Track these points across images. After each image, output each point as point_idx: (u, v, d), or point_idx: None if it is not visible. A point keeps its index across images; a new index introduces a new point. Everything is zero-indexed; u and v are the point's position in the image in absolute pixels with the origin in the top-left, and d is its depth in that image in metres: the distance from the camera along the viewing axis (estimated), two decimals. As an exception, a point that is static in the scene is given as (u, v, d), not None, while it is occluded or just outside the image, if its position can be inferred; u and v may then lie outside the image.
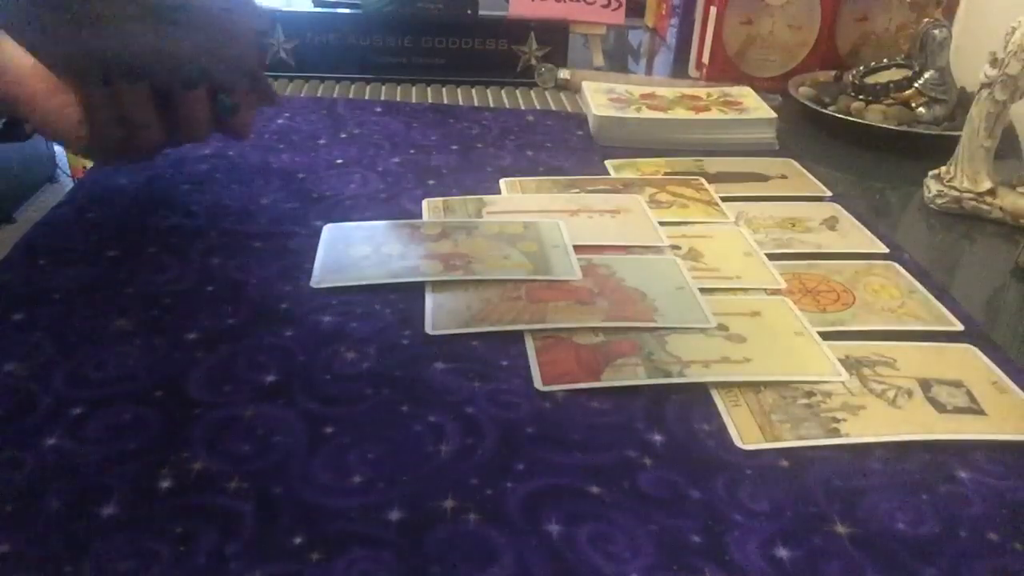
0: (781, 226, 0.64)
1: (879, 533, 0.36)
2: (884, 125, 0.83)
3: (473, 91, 0.92)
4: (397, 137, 0.77)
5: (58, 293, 0.50)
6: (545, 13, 0.97)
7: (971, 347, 0.49)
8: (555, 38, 0.94)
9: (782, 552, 0.35)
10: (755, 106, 0.83)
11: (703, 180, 0.71)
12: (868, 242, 0.62)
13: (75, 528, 0.34)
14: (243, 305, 0.50)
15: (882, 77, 0.88)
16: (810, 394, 0.44)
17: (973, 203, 0.68)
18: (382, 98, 0.88)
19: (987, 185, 0.67)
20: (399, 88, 0.92)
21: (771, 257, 0.59)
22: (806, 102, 0.89)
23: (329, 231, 0.59)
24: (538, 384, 0.44)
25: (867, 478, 0.39)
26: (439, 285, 0.52)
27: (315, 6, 1.06)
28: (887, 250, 0.61)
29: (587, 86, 0.86)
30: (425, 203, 0.64)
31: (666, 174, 0.73)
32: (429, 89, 0.92)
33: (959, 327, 0.52)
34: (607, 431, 0.41)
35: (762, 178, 0.74)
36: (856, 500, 0.38)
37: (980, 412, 0.44)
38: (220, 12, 0.53)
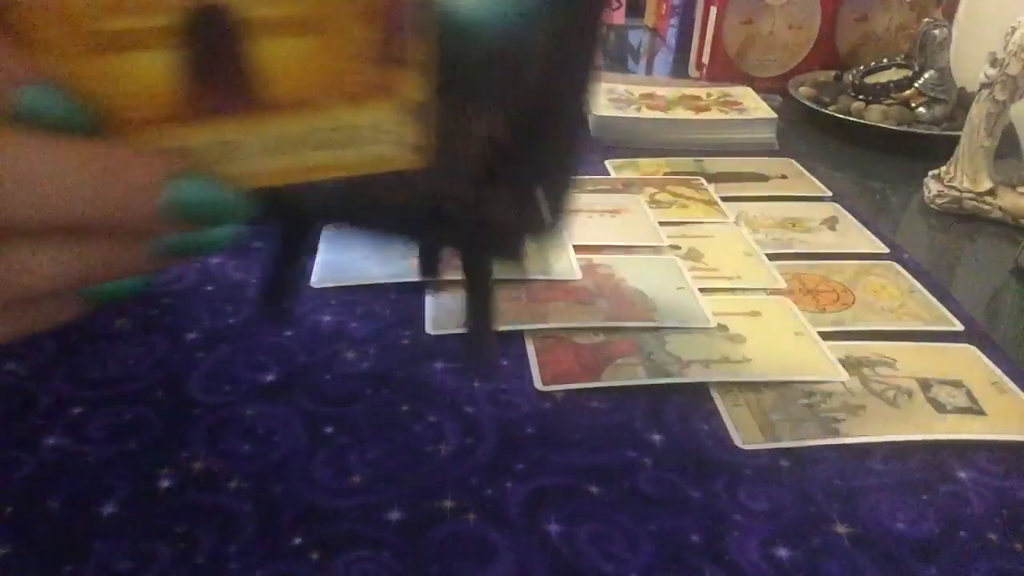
0: (781, 226, 0.64)
1: (879, 533, 0.36)
2: (884, 125, 0.83)
3: (473, 91, 0.91)
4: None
5: (58, 293, 0.50)
6: (545, 13, 0.96)
7: (971, 347, 0.49)
8: (555, 38, 0.94)
9: (782, 552, 0.35)
10: (755, 106, 0.83)
11: (703, 180, 0.71)
12: (868, 242, 0.62)
13: (75, 528, 0.34)
14: (243, 305, 0.50)
15: (882, 77, 0.88)
16: (810, 394, 0.44)
17: (973, 203, 0.68)
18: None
19: (987, 185, 0.67)
20: (399, 88, 0.91)
21: (771, 257, 0.59)
22: (806, 102, 0.89)
23: (329, 231, 0.59)
24: (538, 384, 0.44)
25: (867, 478, 0.39)
26: (439, 285, 0.52)
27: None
28: (887, 250, 0.61)
29: (587, 86, 0.86)
30: (425, 203, 0.64)
31: (666, 174, 0.73)
32: (429, 89, 0.91)
33: (959, 327, 0.52)
34: (607, 431, 0.41)
35: (762, 178, 0.74)
36: (856, 500, 0.38)
37: (980, 412, 0.44)
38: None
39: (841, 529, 0.36)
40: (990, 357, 0.48)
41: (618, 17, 0.99)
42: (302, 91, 0.23)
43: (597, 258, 0.57)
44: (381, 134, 0.24)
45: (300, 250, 0.32)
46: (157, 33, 0.21)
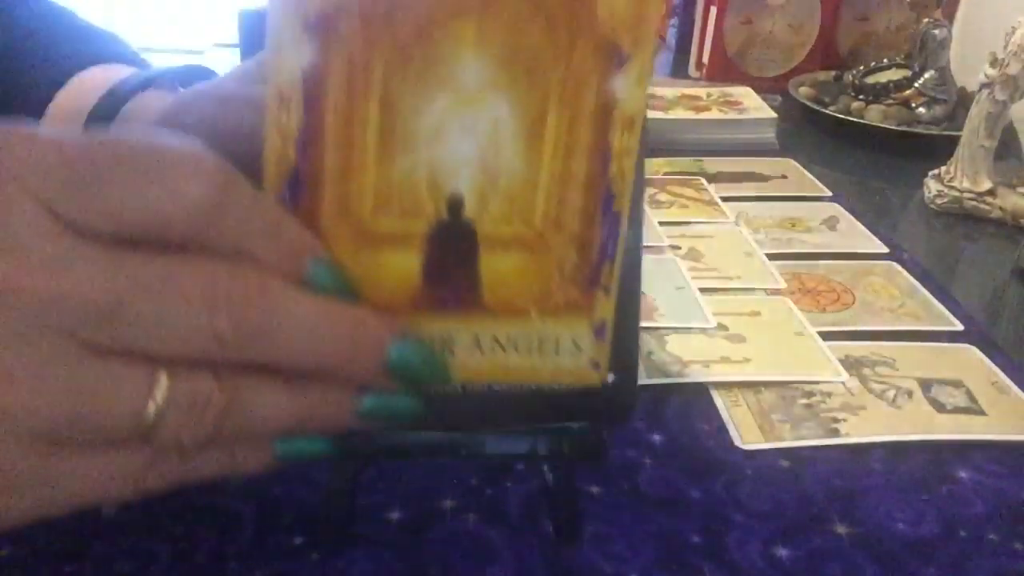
0: (781, 226, 0.64)
1: (879, 533, 0.36)
2: (884, 125, 0.83)
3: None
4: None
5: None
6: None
7: (971, 347, 0.49)
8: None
9: (782, 552, 0.35)
10: (755, 106, 0.83)
11: (703, 180, 0.71)
12: (868, 242, 0.62)
13: (75, 528, 0.34)
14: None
15: (882, 77, 0.88)
16: (810, 394, 0.44)
17: (973, 203, 0.68)
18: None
19: (987, 185, 0.67)
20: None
21: (771, 257, 0.59)
22: (806, 102, 0.89)
23: None
24: (538, 384, 0.44)
25: (867, 478, 0.39)
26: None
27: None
28: (887, 250, 0.61)
29: (587, 86, 0.86)
30: (425, 203, 0.64)
31: (666, 174, 0.73)
32: (429, 89, 0.91)
33: (959, 327, 0.52)
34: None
35: (762, 178, 0.74)
36: (856, 500, 0.38)
37: (980, 412, 0.44)
38: None
39: (841, 529, 0.36)
40: (990, 357, 0.48)
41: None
42: (515, 300, 0.27)
43: (597, 258, 0.57)
44: (575, 349, 0.28)
45: (358, 484, 0.33)
46: (413, 236, 0.26)
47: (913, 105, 0.85)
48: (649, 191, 0.68)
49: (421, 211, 0.26)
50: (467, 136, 0.26)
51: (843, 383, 0.45)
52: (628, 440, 0.41)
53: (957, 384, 0.46)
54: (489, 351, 0.28)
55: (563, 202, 0.27)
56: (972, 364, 0.48)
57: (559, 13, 0.25)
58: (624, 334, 0.29)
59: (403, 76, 0.25)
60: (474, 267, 0.27)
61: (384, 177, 0.26)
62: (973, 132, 0.67)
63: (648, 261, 0.57)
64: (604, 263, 0.27)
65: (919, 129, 0.83)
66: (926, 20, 0.86)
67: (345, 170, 0.25)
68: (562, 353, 0.28)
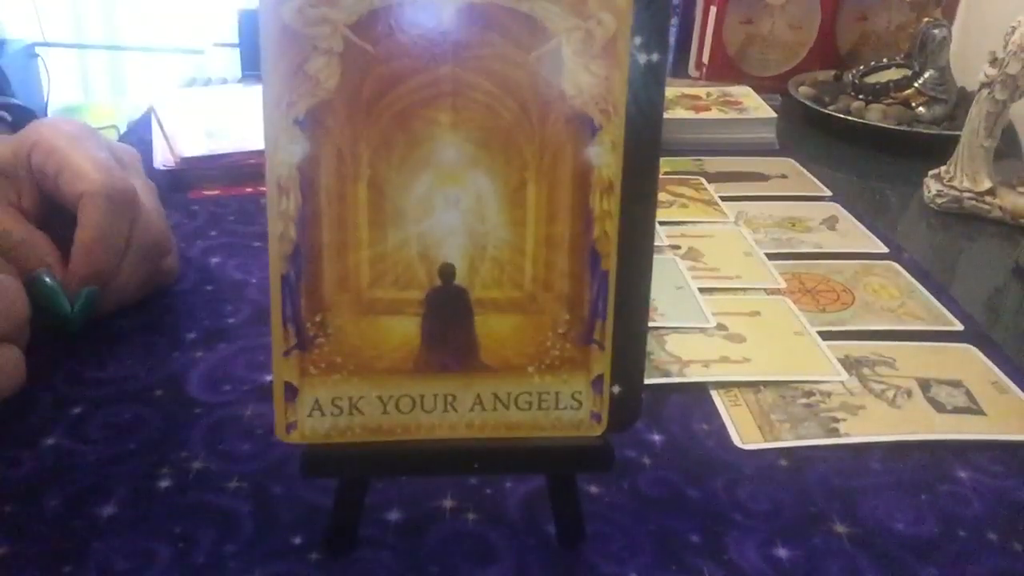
0: (781, 226, 0.64)
1: (879, 533, 0.36)
2: (884, 125, 0.83)
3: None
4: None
5: (58, 293, 0.50)
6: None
7: (971, 347, 0.49)
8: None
9: (782, 552, 0.35)
10: (755, 106, 0.83)
11: (703, 180, 0.71)
12: (868, 242, 0.62)
13: (75, 528, 0.34)
14: (243, 305, 0.50)
15: (882, 77, 0.88)
16: (810, 394, 0.44)
17: (973, 203, 0.68)
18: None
19: (987, 185, 0.67)
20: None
21: (771, 257, 0.59)
22: (806, 102, 0.89)
23: None
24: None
25: (867, 478, 0.39)
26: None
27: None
28: (887, 250, 0.61)
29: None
30: (425, 203, 0.64)
31: (666, 174, 0.73)
32: (429, 89, 0.91)
33: (959, 327, 0.52)
34: (607, 431, 0.41)
35: (762, 178, 0.74)
36: (856, 500, 0.38)
37: (980, 412, 0.44)
38: None
39: (841, 529, 0.36)
40: (990, 357, 0.48)
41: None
42: (513, 359, 0.29)
43: (597, 258, 0.57)
44: (575, 403, 0.30)
45: (362, 500, 0.33)
46: (409, 304, 0.28)
47: (913, 105, 0.85)
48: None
49: (415, 281, 0.28)
50: (453, 209, 0.28)
51: (843, 383, 0.45)
52: (628, 440, 0.41)
53: (957, 384, 0.46)
54: (491, 408, 0.30)
55: (550, 265, 0.28)
56: (972, 364, 0.48)
57: (528, 95, 0.27)
58: (629, 346, 0.30)
59: (388, 159, 0.27)
60: (470, 329, 0.29)
61: (378, 251, 0.28)
62: (973, 132, 0.67)
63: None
64: (596, 320, 0.29)
65: (919, 129, 0.83)
66: (926, 20, 0.86)
67: (342, 246, 0.28)
68: (562, 407, 0.30)
